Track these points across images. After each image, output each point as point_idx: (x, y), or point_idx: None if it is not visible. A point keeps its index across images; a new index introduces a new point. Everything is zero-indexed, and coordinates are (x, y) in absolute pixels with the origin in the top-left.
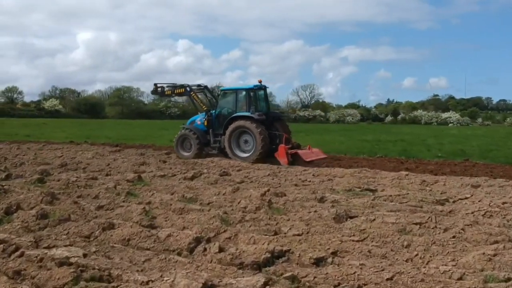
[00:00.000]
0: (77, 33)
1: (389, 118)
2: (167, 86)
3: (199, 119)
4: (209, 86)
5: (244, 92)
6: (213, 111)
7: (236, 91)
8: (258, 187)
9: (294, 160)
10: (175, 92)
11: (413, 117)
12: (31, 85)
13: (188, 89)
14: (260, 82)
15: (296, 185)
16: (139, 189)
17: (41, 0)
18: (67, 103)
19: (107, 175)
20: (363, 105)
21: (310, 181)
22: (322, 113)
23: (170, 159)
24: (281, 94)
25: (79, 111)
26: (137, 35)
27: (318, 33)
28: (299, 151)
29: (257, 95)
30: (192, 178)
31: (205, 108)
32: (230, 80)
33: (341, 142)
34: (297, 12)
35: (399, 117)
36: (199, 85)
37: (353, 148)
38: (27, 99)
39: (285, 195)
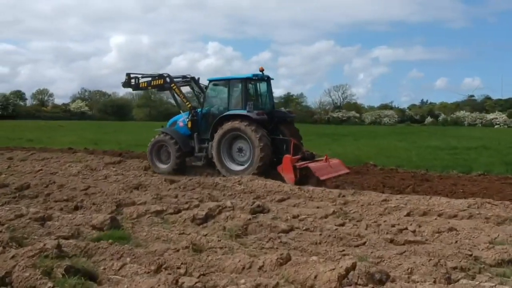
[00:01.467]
0: (110, 37)
1: (429, 119)
2: (142, 77)
3: (182, 119)
4: None
5: (239, 84)
6: (199, 109)
7: (228, 81)
8: (325, 244)
9: (304, 176)
10: (152, 84)
11: (455, 118)
12: (67, 87)
13: (167, 80)
14: (261, 70)
15: (392, 241)
16: (101, 253)
17: (76, 5)
18: (94, 105)
19: (75, 208)
20: (396, 106)
21: (415, 231)
22: (357, 114)
23: (181, 177)
24: (311, 95)
25: (105, 113)
26: (169, 38)
27: (349, 34)
28: (311, 165)
29: (257, 88)
30: (206, 219)
31: (189, 106)
32: None
33: (406, 150)
34: (328, 12)
35: (440, 118)
36: (184, 76)
37: (429, 160)
38: (60, 101)
39: (388, 278)
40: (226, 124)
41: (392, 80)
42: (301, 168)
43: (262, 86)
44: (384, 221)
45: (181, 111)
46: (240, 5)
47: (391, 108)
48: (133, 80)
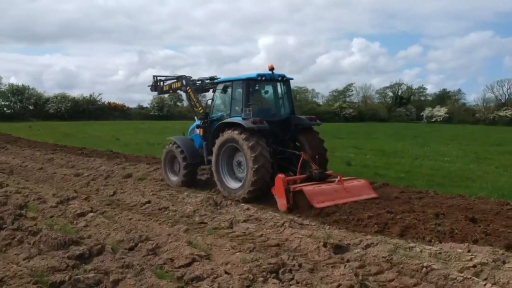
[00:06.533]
0: (258, 39)
1: None
2: (165, 79)
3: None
4: (387, 85)
5: (241, 86)
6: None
7: (232, 83)
8: None
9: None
10: (173, 87)
11: None
12: None
13: (184, 82)
14: (271, 69)
15: None
16: None
17: (227, 10)
18: None
19: None
20: None
21: None
22: None
23: (352, 238)
24: (466, 92)
25: None
26: (314, 37)
27: (511, 23)
28: (306, 188)
29: (266, 91)
30: None
31: (201, 111)
32: (408, 78)
33: None
34: (485, 0)
35: None
36: (212, 78)
37: None
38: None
39: None
40: (224, 133)
41: None
42: (296, 191)
43: (273, 88)
44: None
45: (195, 118)
46: None
47: None
48: (159, 83)
